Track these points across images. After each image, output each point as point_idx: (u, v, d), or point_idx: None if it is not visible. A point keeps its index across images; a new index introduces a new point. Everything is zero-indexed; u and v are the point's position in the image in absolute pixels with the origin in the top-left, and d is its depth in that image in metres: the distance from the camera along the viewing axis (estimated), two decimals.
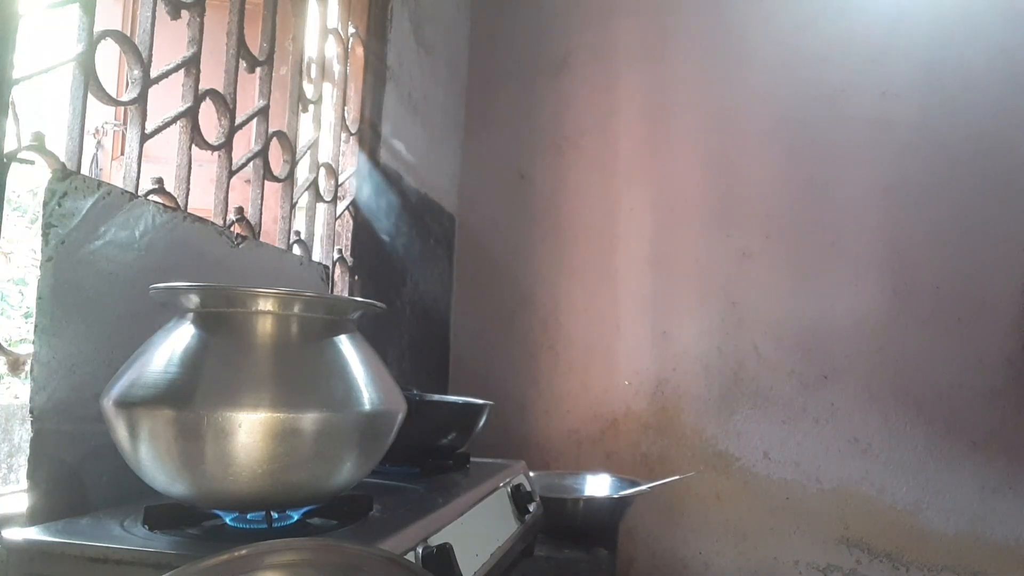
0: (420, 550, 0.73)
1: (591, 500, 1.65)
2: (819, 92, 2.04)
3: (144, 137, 1.03)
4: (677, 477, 1.70)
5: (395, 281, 1.84)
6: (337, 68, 1.62)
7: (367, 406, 0.72)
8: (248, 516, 0.74)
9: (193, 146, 1.14)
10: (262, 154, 1.32)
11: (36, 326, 0.77)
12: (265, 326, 0.71)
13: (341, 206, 1.63)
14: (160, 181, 1.06)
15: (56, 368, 0.79)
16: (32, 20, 0.84)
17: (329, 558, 0.55)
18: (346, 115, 1.66)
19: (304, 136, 1.48)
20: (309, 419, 0.67)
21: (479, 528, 0.95)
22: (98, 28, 0.93)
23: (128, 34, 1.02)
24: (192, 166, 1.13)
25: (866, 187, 2.00)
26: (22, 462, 0.75)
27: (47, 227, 0.78)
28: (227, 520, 0.74)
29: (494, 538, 0.99)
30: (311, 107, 1.50)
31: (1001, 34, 1.94)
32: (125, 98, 1.01)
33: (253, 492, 0.67)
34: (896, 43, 2.00)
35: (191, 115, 1.13)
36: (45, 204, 0.79)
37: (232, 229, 1.21)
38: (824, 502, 1.97)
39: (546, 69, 2.27)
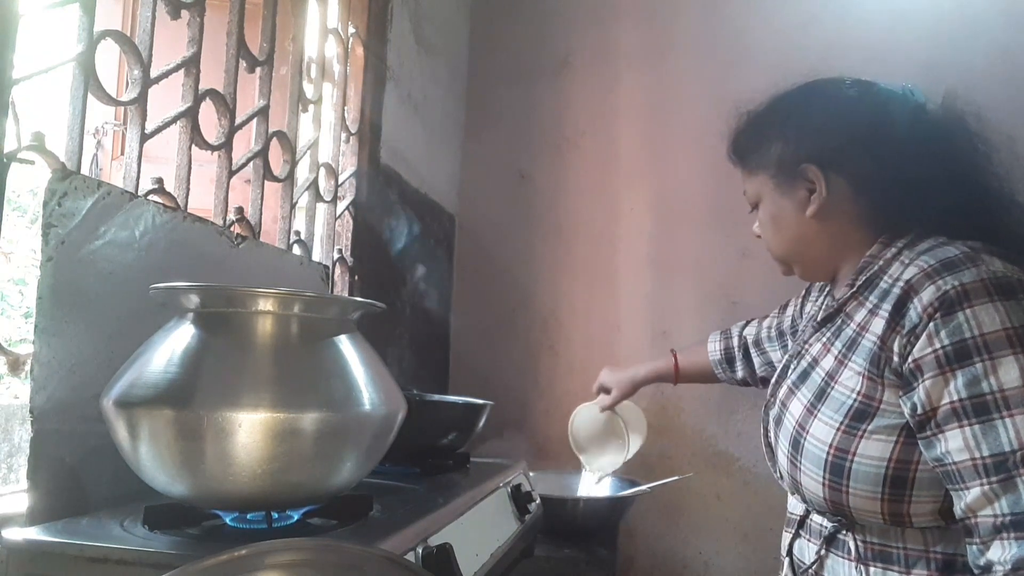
0: (420, 550, 0.73)
1: (591, 500, 1.65)
2: None
3: (144, 137, 1.03)
4: (677, 477, 1.69)
5: (395, 281, 1.84)
6: (337, 68, 1.62)
7: (367, 406, 0.72)
8: (248, 516, 0.74)
9: (193, 146, 1.14)
10: (262, 154, 1.32)
11: (36, 326, 0.77)
12: (265, 326, 0.71)
13: (341, 206, 1.63)
14: (160, 181, 1.06)
15: (56, 368, 0.79)
16: (32, 20, 0.84)
17: (329, 558, 0.55)
18: (346, 115, 1.65)
19: (304, 136, 1.48)
20: (309, 419, 0.67)
21: (479, 528, 0.95)
22: (98, 28, 0.93)
23: (128, 34, 1.02)
24: (192, 166, 1.13)
25: None
26: (22, 462, 0.75)
27: (47, 227, 0.78)
28: (227, 520, 0.74)
29: (494, 538, 0.99)
30: (311, 107, 1.50)
31: (1001, 34, 1.94)
32: (125, 98, 1.01)
33: (253, 492, 0.67)
34: (896, 43, 2.00)
35: (191, 115, 1.13)
36: (45, 204, 0.79)
37: (232, 229, 1.21)
38: None
39: (546, 69, 2.27)
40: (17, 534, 0.65)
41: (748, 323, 1.48)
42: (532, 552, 1.25)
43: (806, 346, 1.01)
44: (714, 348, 1.50)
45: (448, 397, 1.45)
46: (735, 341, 1.47)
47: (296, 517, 0.77)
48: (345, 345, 0.75)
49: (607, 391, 1.65)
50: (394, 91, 1.82)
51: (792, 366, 1.02)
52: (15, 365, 0.83)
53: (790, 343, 1.28)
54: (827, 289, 1.11)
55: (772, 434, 0.99)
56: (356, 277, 1.63)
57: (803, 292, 1.31)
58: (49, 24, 0.92)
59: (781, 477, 0.99)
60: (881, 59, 2.01)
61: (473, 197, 2.29)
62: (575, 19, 2.26)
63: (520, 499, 1.15)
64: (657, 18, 2.20)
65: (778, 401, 0.99)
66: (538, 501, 1.27)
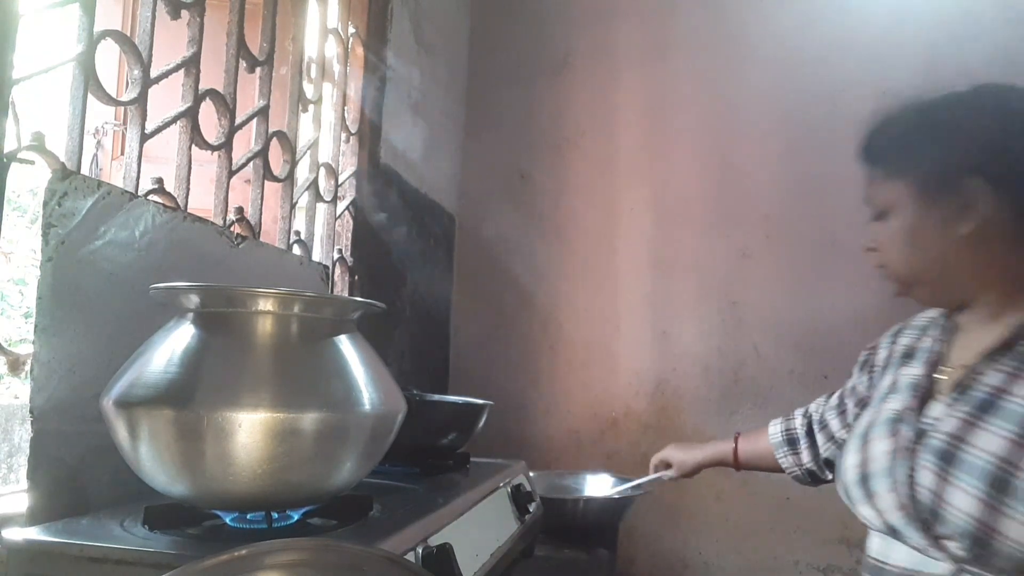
0: (420, 550, 0.73)
1: (591, 500, 1.65)
2: (819, 92, 2.04)
3: (144, 137, 1.03)
4: (674, 475, 1.69)
5: (395, 281, 1.84)
6: (337, 68, 1.62)
7: (367, 406, 0.72)
8: (248, 516, 0.74)
9: (193, 146, 1.14)
10: (262, 154, 1.32)
11: (36, 326, 0.77)
12: (265, 326, 0.71)
13: (341, 206, 1.63)
14: (160, 181, 1.06)
15: (56, 368, 0.79)
16: (32, 20, 0.84)
17: (329, 558, 0.55)
18: (346, 115, 1.65)
19: (304, 136, 1.48)
20: (309, 419, 0.67)
21: (479, 528, 0.95)
22: (98, 28, 0.93)
23: (128, 34, 1.02)
24: (192, 166, 1.13)
25: None
26: (22, 462, 0.75)
27: (47, 227, 0.78)
28: (227, 520, 0.74)
29: (494, 538, 0.99)
30: (311, 107, 1.50)
31: (1001, 34, 1.94)
32: (125, 98, 1.01)
33: (253, 492, 0.67)
34: (896, 43, 2.00)
35: (191, 115, 1.13)
36: (45, 204, 0.79)
37: (232, 229, 1.21)
38: (824, 502, 1.96)
39: (546, 69, 2.27)
40: (17, 534, 0.65)
41: (810, 406, 1.33)
42: (532, 552, 1.25)
43: (974, 375, 0.88)
44: (775, 431, 1.33)
45: (448, 397, 1.45)
46: (797, 421, 1.33)
47: (296, 517, 0.77)
48: (345, 345, 0.75)
49: (668, 466, 1.50)
50: (394, 91, 1.82)
51: (948, 395, 0.88)
52: (15, 365, 0.83)
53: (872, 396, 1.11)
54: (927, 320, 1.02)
55: (932, 472, 0.83)
56: (356, 277, 1.63)
57: (880, 342, 1.15)
58: (49, 24, 0.92)
59: (928, 520, 0.83)
60: (881, 59, 2.01)
61: (473, 197, 2.29)
62: (575, 19, 2.27)
63: (520, 499, 1.15)
64: (657, 18, 2.20)
65: (943, 435, 0.84)
66: (538, 501, 1.27)
